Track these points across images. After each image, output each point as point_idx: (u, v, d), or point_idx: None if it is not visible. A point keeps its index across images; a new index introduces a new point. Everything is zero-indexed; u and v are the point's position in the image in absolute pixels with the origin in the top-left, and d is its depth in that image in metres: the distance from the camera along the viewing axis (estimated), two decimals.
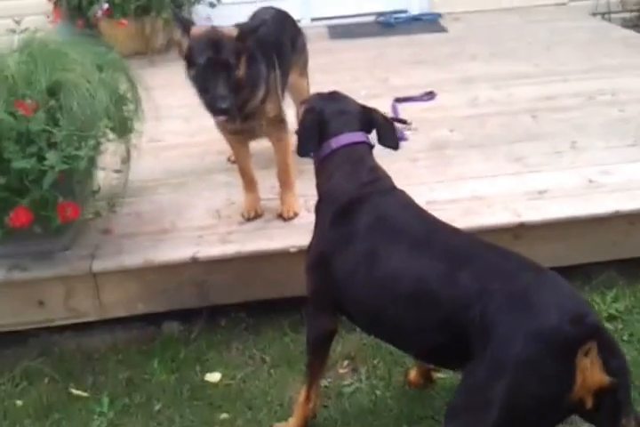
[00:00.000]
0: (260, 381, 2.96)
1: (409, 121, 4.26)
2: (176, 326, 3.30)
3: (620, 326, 3.15)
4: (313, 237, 2.56)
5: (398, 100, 4.56)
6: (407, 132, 4.15)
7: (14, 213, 2.77)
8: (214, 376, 3.00)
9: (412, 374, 2.86)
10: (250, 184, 3.44)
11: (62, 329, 3.27)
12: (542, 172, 3.69)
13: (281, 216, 3.34)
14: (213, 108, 2.93)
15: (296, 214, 3.31)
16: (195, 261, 3.14)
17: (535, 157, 3.83)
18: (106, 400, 2.89)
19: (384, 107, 4.41)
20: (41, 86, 2.75)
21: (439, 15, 6.93)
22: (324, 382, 2.89)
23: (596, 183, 3.53)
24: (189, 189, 3.74)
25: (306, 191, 3.25)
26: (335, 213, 2.42)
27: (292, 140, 3.11)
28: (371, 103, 3.96)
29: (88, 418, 2.82)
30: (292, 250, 3.14)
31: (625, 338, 3.08)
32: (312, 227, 2.59)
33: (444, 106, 4.60)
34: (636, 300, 3.31)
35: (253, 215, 3.39)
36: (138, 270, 3.15)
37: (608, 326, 3.10)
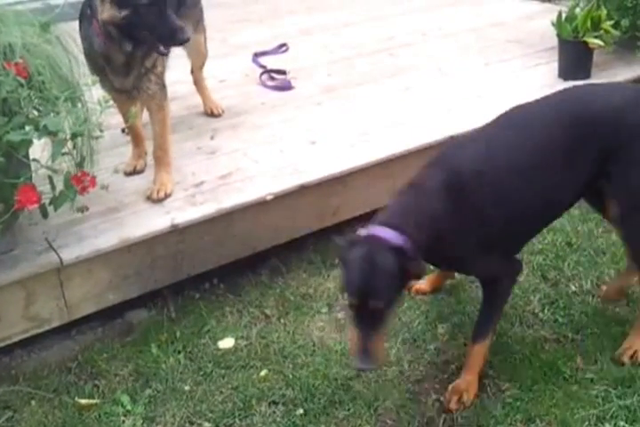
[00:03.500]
0: (278, 332, 2.90)
1: (285, 70, 4.31)
2: (145, 312, 3.07)
3: None
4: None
5: (257, 54, 4.57)
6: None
7: None
8: (228, 342, 2.88)
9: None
10: (135, 139, 3.35)
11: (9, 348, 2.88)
12: (438, 93, 3.99)
13: (150, 196, 3.11)
14: (176, 38, 2.85)
15: (167, 195, 3.10)
16: (175, 229, 2.95)
17: (417, 85, 4.14)
18: (125, 398, 2.63)
19: (246, 62, 4.39)
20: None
21: None
22: (340, 315, 2.91)
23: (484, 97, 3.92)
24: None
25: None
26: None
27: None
28: (229, 62, 4.16)
29: (116, 422, 2.54)
30: (268, 198, 3.07)
31: None
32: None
33: (302, 56, 4.71)
34: None
35: (131, 170, 3.32)
36: (110, 254, 2.87)
37: None
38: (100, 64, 2.99)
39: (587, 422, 2.40)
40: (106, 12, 2.84)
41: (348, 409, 2.51)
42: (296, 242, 3.29)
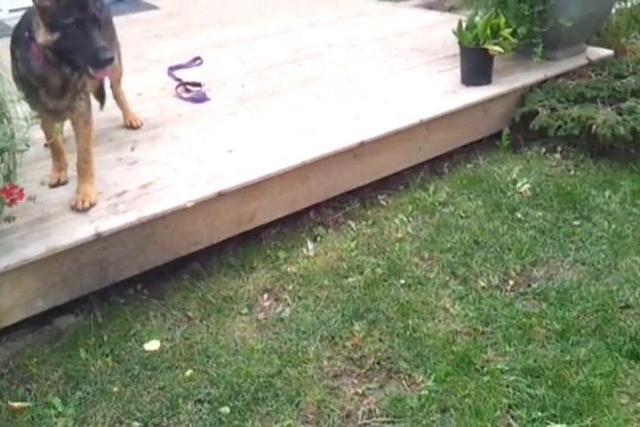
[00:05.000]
0: (201, 333, 2.89)
1: (200, 82, 4.32)
2: (72, 318, 3.04)
3: (452, 208, 3.59)
4: None
5: (172, 68, 4.57)
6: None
7: None
8: (153, 345, 2.86)
9: None
10: (56, 153, 3.32)
11: None
12: (346, 101, 4.06)
13: (75, 206, 3.08)
14: (99, 59, 2.82)
15: (92, 205, 3.09)
16: (99, 237, 2.91)
17: (326, 94, 4.19)
18: (57, 401, 2.59)
19: (162, 76, 4.41)
20: None
21: None
22: (260, 316, 2.92)
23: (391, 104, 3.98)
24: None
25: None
26: None
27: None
28: (146, 76, 4.20)
29: (49, 423, 2.51)
30: (188, 205, 3.07)
31: (462, 214, 3.52)
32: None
33: (216, 68, 4.72)
34: (453, 187, 3.76)
35: (55, 182, 3.29)
36: (38, 263, 2.82)
37: (443, 209, 3.55)
38: (35, 86, 2.96)
39: (498, 411, 2.45)
40: (41, 37, 2.83)
41: (271, 405, 2.52)
42: (216, 247, 3.29)
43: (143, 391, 2.62)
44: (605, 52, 4.61)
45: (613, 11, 4.77)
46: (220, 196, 3.20)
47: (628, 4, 4.81)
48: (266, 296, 3.08)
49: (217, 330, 2.89)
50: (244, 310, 3.00)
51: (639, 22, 5.00)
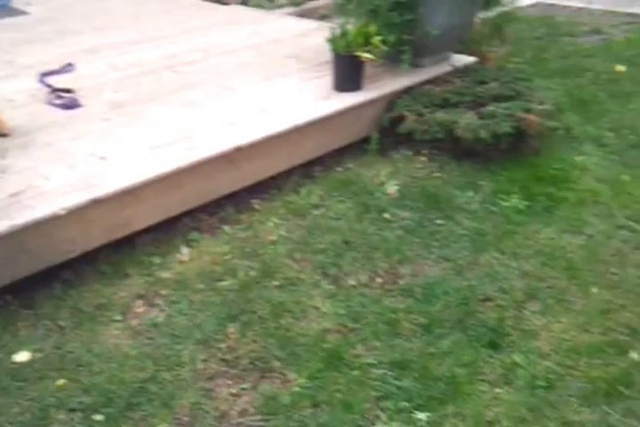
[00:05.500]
0: (73, 342, 2.87)
1: (72, 89, 4.25)
2: None
3: (324, 211, 3.68)
4: None
5: (44, 74, 4.47)
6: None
7: None
8: (23, 355, 2.81)
9: None
10: None
11: None
12: (221, 108, 4.08)
13: None
14: None
15: None
16: None
17: (201, 100, 4.21)
18: None
19: (33, 82, 4.33)
20: None
21: (9, 0, 6.64)
22: (134, 322, 2.91)
23: (266, 111, 4.05)
24: None
25: None
26: None
27: None
28: (16, 82, 4.23)
29: None
30: (60, 213, 3.03)
31: (333, 216, 3.62)
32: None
33: (89, 74, 4.67)
34: (325, 190, 3.85)
35: None
36: None
37: (315, 212, 3.63)
38: None
39: (367, 404, 2.55)
40: None
41: (146, 410, 2.53)
42: (89, 254, 3.25)
43: (13, 403, 2.57)
44: (469, 60, 4.80)
45: (476, 20, 4.97)
46: (94, 203, 3.17)
47: (490, 15, 5.02)
48: (140, 302, 3.07)
49: (90, 338, 2.87)
50: (118, 317, 2.98)
51: (500, 31, 5.24)
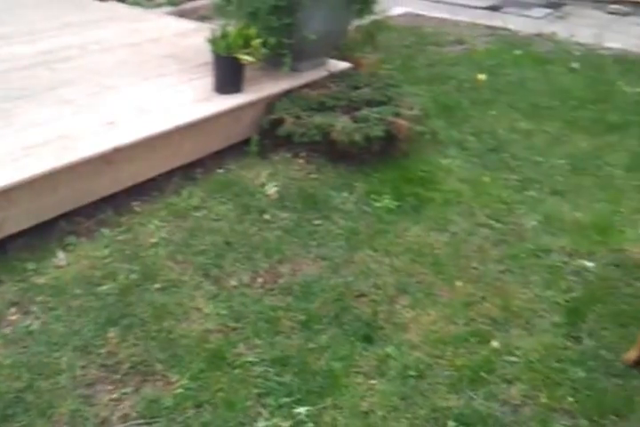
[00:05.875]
0: None
1: None
2: None
3: (205, 212, 3.59)
4: None
5: None
6: None
7: None
8: None
9: None
10: None
11: None
12: (99, 107, 3.90)
13: None
14: None
15: None
16: None
17: (78, 98, 4.00)
18: None
19: None
20: None
21: None
22: (7, 330, 2.75)
23: (145, 111, 3.90)
24: None
25: None
26: None
27: None
28: None
29: None
30: None
31: (214, 218, 3.53)
32: None
33: None
34: (206, 192, 3.77)
35: None
36: None
37: (196, 214, 3.55)
38: None
39: (249, 401, 2.51)
40: None
41: (22, 421, 2.38)
42: None
43: None
44: (344, 65, 4.82)
45: (350, 28, 4.99)
46: None
47: (363, 23, 5.06)
48: (13, 310, 2.87)
49: None
50: None
51: (372, 39, 5.30)
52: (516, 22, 7.23)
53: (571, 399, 2.59)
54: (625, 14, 7.88)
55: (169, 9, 6.13)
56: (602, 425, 2.49)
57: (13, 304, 2.91)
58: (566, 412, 2.55)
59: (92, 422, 2.41)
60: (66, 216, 3.40)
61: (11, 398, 2.46)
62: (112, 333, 2.77)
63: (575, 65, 5.98)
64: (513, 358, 2.77)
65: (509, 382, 2.66)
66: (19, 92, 4.04)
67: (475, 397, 2.58)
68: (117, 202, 3.58)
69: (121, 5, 6.00)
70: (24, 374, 2.56)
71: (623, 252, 3.46)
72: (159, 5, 6.16)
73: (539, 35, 6.86)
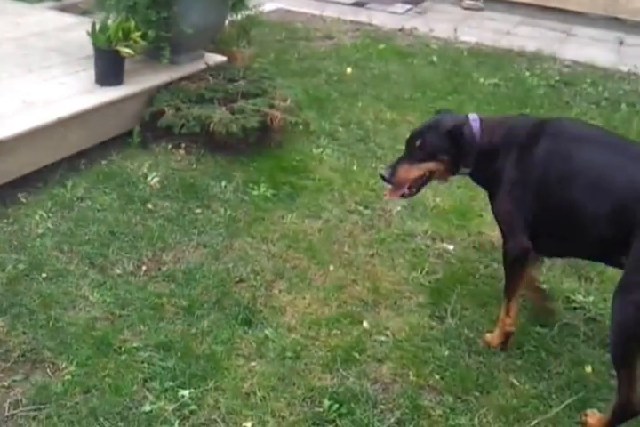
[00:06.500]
0: None
1: None
2: None
3: (90, 203, 3.51)
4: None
5: None
6: None
7: None
8: None
9: None
10: None
11: None
12: None
13: None
14: None
15: None
16: None
17: None
18: None
19: None
20: None
21: None
22: None
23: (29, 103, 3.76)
24: None
25: None
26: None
27: None
28: None
29: None
30: None
31: (98, 208, 3.46)
32: None
33: None
34: (90, 182, 3.67)
35: None
36: None
37: (81, 204, 3.49)
38: None
39: (135, 386, 2.50)
40: None
41: None
42: None
43: None
44: (220, 59, 4.77)
45: (226, 22, 4.95)
46: None
47: (239, 17, 5.02)
48: None
49: None
50: None
51: (247, 33, 5.27)
52: (380, 18, 7.36)
53: (437, 377, 2.67)
54: (479, 9, 8.17)
55: (51, 4, 5.83)
56: (466, 401, 2.59)
57: None
58: (433, 389, 2.63)
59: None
60: None
61: None
62: (1, 322, 2.70)
63: (434, 58, 6.16)
64: (382, 338, 2.85)
65: (380, 360, 2.74)
66: None
67: (348, 376, 2.65)
68: (3, 193, 3.43)
69: (4, 0, 5.65)
70: None
71: (481, 235, 3.60)
72: (42, 0, 5.85)
73: (401, 30, 7.03)
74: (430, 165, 2.78)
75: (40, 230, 3.24)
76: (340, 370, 2.68)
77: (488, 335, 2.87)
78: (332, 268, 3.25)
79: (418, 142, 2.77)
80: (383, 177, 2.83)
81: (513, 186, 2.65)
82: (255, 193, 3.76)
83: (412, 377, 2.67)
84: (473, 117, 2.78)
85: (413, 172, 2.79)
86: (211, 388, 2.53)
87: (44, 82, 4.05)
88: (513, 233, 2.67)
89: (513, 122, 2.81)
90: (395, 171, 2.80)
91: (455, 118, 2.81)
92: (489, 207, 2.84)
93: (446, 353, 2.80)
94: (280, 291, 3.07)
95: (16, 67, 4.21)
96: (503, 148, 2.69)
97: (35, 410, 2.38)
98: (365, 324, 2.93)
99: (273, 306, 2.97)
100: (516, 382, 2.70)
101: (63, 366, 2.55)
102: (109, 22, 4.05)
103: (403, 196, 2.86)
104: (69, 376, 2.51)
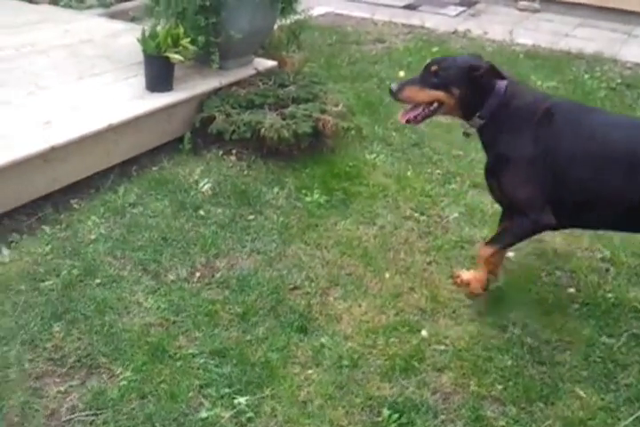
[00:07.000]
0: None
1: None
2: None
3: (142, 209, 3.62)
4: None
5: None
6: None
7: None
8: None
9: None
10: None
11: None
12: (35, 107, 3.88)
13: None
14: None
15: None
16: None
17: (14, 99, 3.96)
18: None
19: None
20: None
21: None
22: None
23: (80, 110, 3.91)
24: None
25: None
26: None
27: None
28: None
29: None
30: None
31: (150, 214, 3.58)
32: None
33: None
34: (142, 189, 3.80)
35: None
36: None
37: (133, 210, 3.59)
38: None
39: (191, 392, 2.57)
40: None
41: None
42: None
43: None
44: (270, 64, 4.88)
45: (275, 26, 5.06)
46: None
47: (288, 21, 5.12)
48: None
49: None
50: None
51: (297, 37, 5.37)
52: (432, 20, 7.41)
53: (499, 387, 2.68)
54: (535, 11, 8.16)
55: (100, 11, 6.04)
56: (530, 412, 2.59)
57: None
58: (495, 399, 2.64)
59: (41, 414, 2.44)
60: (7, 215, 3.38)
61: None
62: (57, 327, 2.79)
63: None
64: (442, 347, 2.87)
65: (439, 370, 2.76)
66: None
67: (407, 385, 2.67)
68: (56, 200, 3.57)
69: (53, 7, 5.88)
70: None
71: (542, 242, 3.59)
72: (90, 7, 6.06)
73: (454, 32, 7.07)
74: (439, 94, 2.86)
75: (93, 236, 3.35)
76: (399, 379, 2.70)
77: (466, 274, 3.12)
78: (387, 275, 3.29)
79: (434, 68, 2.86)
80: (391, 91, 2.93)
81: (530, 160, 2.76)
82: (308, 199, 3.83)
83: (473, 387, 2.69)
84: (504, 81, 2.86)
85: (420, 95, 2.89)
86: (267, 395, 2.59)
87: (94, 89, 4.21)
88: (533, 208, 2.79)
89: (538, 95, 2.94)
90: (403, 88, 2.90)
91: (485, 64, 2.87)
92: None
93: (509, 363, 2.80)
94: (335, 298, 3.12)
95: (67, 74, 4.38)
96: (522, 116, 2.80)
97: (91, 415, 2.47)
98: (424, 332, 2.95)
99: (328, 313, 3.02)
100: (582, 393, 2.69)
101: (119, 371, 2.63)
102: (159, 29, 4.18)
103: (408, 121, 2.97)
104: (125, 382, 2.59)
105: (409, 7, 8.02)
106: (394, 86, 2.92)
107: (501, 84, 2.83)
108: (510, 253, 3.48)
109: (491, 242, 3.01)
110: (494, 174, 2.90)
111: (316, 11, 6.39)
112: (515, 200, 2.85)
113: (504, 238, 2.98)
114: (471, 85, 2.82)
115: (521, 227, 2.88)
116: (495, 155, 2.90)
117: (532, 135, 2.77)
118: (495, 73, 2.83)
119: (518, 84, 2.94)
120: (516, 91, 2.86)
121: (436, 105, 2.91)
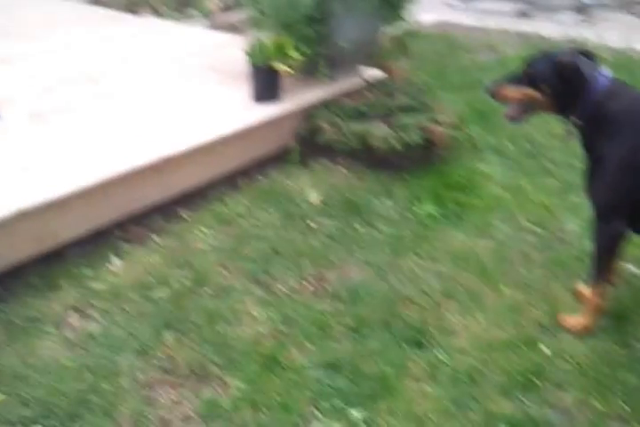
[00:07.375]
0: (8, 356, 2.78)
1: None
2: None
3: (250, 220, 3.70)
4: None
5: None
6: None
7: None
8: None
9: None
10: None
11: None
12: (144, 118, 4.04)
13: None
14: None
15: None
16: None
17: (122, 110, 4.12)
18: None
19: None
20: None
21: None
22: (69, 334, 2.86)
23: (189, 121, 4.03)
24: None
25: None
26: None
27: None
28: None
29: None
30: None
31: (259, 225, 3.64)
32: None
33: (6, 84, 4.49)
34: (250, 199, 3.87)
35: None
36: None
37: (242, 221, 3.67)
38: None
39: (304, 404, 2.58)
40: None
41: (87, 420, 2.48)
42: (17, 267, 3.15)
43: None
44: (378, 73, 4.88)
45: (383, 35, 5.07)
46: (20, 215, 3.07)
47: (396, 30, 5.14)
48: (73, 314, 3.00)
49: (25, 351, 2.78)
50: (52, 330, 2.90)
51: (404, 47, 5.37)
52: (545, 27, 7.25)
53: (624, 406, 2.59)
54: None
55: (201, 21, 6.26)
56: None
57: (73, 309, 3.02)
58: (620, 418, 2.55)
59: (154, 423, 2.50)
60: (118, 224, 3.52)
61: (75, 398, 2.56)
62: (168, 336, 2.87)
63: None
64: (563, 364, 2.79)
65: (561, 387, 2.68)
66: (67, 104, 4.18)
67: (526, 402, 2.61)
68: (166, 210, 3.69)
69: (156, 19, 6.14)
70: (87, 376, 2.66)
71: None
72: (191, 17, 6.30)
73: (568, 39, 6.89)
74: (528, 91, 2.83)
75: (202, 246, 3.44)
76: (519, 396, 2.64)
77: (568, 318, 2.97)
78: (504, 289, 3.21)
79: (527, 64, 2.85)
80: (486, 88, 2.98)
81: (622, 167, 2.68)
82: (419, 210, 3.80)
83: (596, 405, 2.60)
84: (605, 73, 2.76)
85: (511, 91, 2.89)
86: (382, 409, 2.57)
87: (202, 100, 4.33)
88: (609, 217, 2.77)
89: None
90: (496, 86, 2.93)
91: (584, 60, 2.79)
92: None
93: (633, 381, 2.70)
94: (450, 312, 3.07)
95: (174, 85, 4.54)
96: (619, 120, 2.69)
97: (205, 426, 2.51)
98: (544, 348, 2.87)
99: (444, 327, 2.97)
100: None
101: (231, 382, 2.67)
102: (265, 40, 4.27)
103: (512, 118, 2.98)
104: (237, 392, 2.62)
105: (520, 14, 7.90)
106: (488, 84, 2.95)
107: (600, 82, 2.73)
108: (636, 270, 3.34)
109: (590, 282, 2.92)
110: (588, 179, 2.83)
111: (425, 18, 6.37)
112: (592, 202, 2.82)
113: (593, 266, 2.89)
114: (562, 81, 2.74)
115: (602, 236, 2.83)
116: (592, 159, 2.81)
117: (629, 142, 2.67)
118: (587, 70, 2.74)
119: (623, 83, 2.81)
120: (617, 91, 2.74)
121: (528, 102, 2.88)
